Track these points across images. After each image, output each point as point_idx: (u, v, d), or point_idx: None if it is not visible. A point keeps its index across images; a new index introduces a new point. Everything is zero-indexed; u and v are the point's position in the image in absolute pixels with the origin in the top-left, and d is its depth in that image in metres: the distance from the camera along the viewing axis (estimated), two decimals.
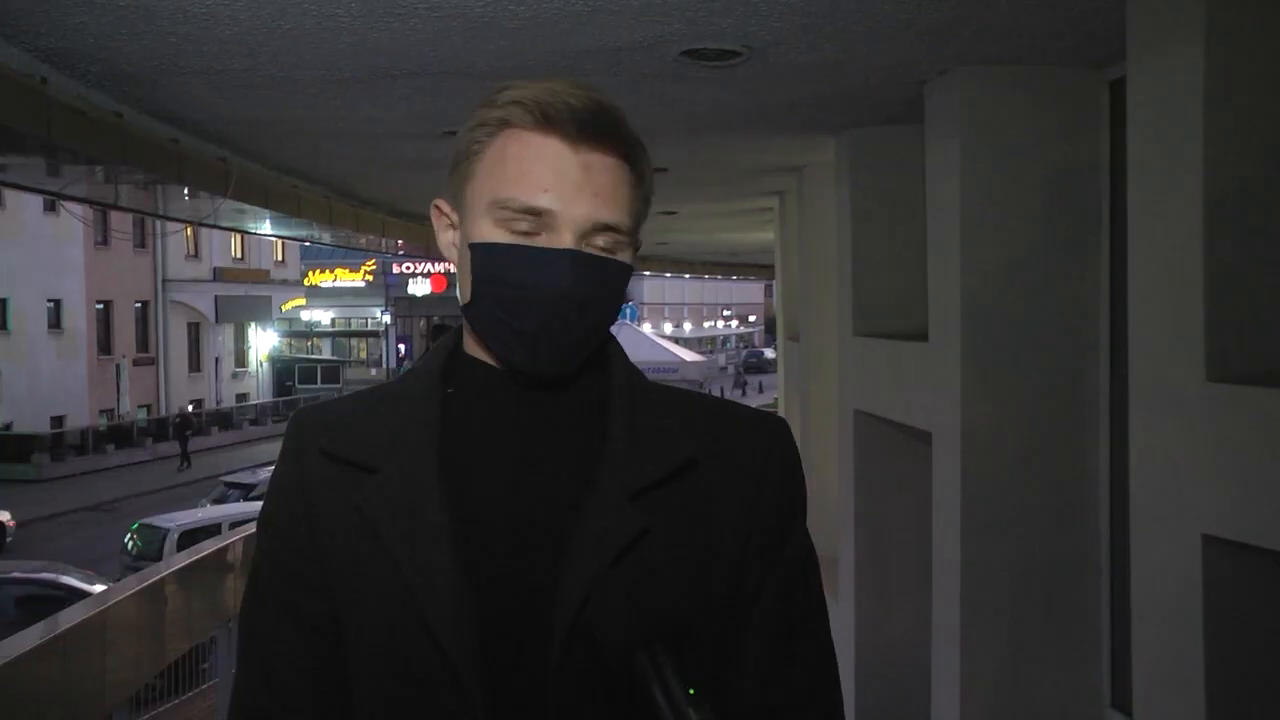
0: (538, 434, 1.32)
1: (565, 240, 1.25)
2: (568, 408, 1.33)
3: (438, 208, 1.37)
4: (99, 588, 12.39)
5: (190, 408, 37.43)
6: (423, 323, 49.11)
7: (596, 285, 1.27)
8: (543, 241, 1.26)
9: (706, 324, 74.08)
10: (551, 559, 1.25)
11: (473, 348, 1.36)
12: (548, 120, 1.25)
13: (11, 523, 22.32)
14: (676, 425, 1.34)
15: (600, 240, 1.27)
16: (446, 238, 1.37)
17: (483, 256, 1.28)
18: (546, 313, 1.25)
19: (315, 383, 44.65)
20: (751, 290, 74.11)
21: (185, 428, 33.51)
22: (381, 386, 1.42)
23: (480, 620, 1.23)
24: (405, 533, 1.26)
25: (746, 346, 73.50)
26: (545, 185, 1.25)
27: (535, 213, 1.25)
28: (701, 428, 1.35)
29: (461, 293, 1.33)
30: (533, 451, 1.31)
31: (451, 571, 1.23)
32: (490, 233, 1.27)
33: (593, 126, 1.25)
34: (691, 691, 1.14)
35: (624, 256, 1.30)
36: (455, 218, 1.34)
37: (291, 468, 1.35)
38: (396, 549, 1.25)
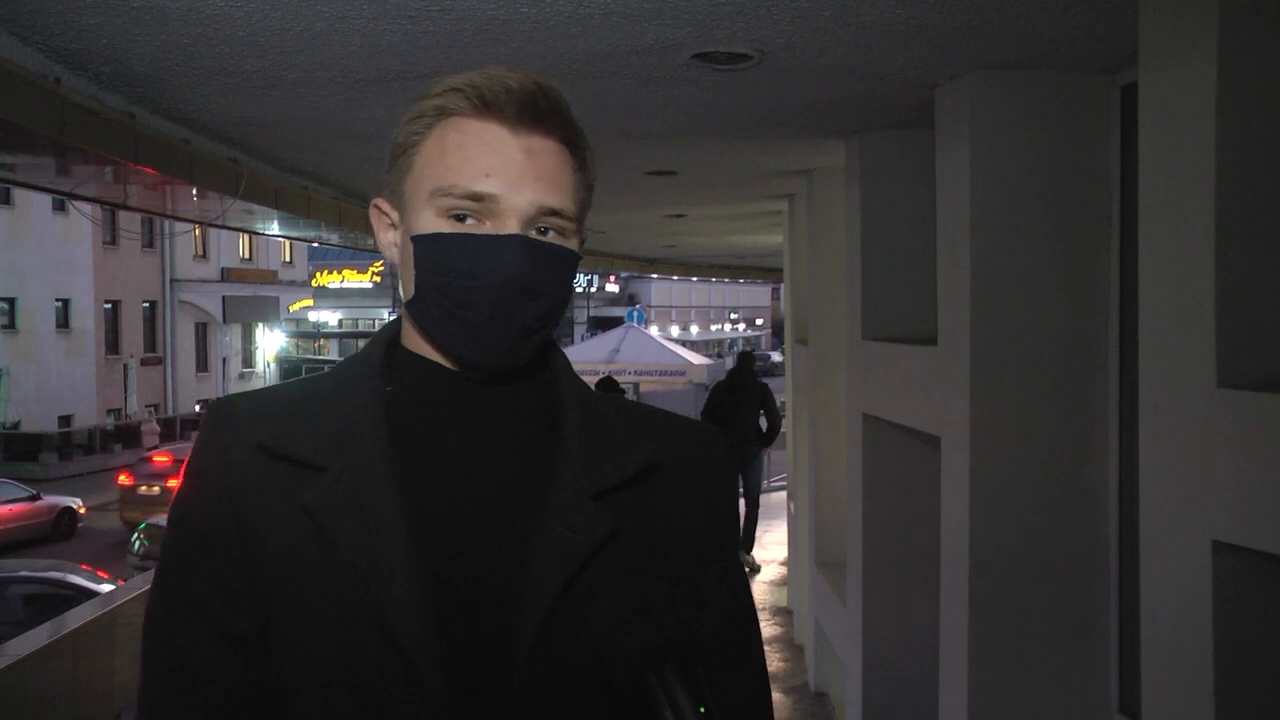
0: (486, 433, 1.27)
1: (510, 227, 1.21)
2: (513, 407, 1.29)
3: (377, 207, 1.33)
4: (106, 587, 12.41)
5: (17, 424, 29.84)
6: None
7: (544, 272, 1.23)
8: (488, 229, 1.22)
9: (714, 327, 74.06)
10: (515, 561, 1.21)
11: (414, 343, 1.31)
12: (486, 105, 1.21)
13: (83, 509, 22.62)
14: (626, 428, 1.31)
15: (545, 225, 1.23)
16: (387, 237, 1.32)
17: (426, 248, 1.23)
18: (495, 301, 1.21)
19: None
20: (758, 293, 74.04)
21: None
22: (313, 380, 1.33)
23: (443, 624, 1.18)
24: (361, 535, 1.19)
25: (752, 349, 73.32)
26: (487, 170, 1.21)
27: (478, 198, 1.21)
28: (653, 433, 1.32)
29: (405, 289, 1.28)
30: (483, 451, 1.26)
31: (413, 575, 1.18)
32: (433, 224, 1.23)
33: (531, 109, 1.21)
34: (702, 710, 1.11)
35: (570, 244, 1.27)
36: (395, 216, 1.30)
37: (216, 463, 1.24)
38: (351, 552, 1.18)
